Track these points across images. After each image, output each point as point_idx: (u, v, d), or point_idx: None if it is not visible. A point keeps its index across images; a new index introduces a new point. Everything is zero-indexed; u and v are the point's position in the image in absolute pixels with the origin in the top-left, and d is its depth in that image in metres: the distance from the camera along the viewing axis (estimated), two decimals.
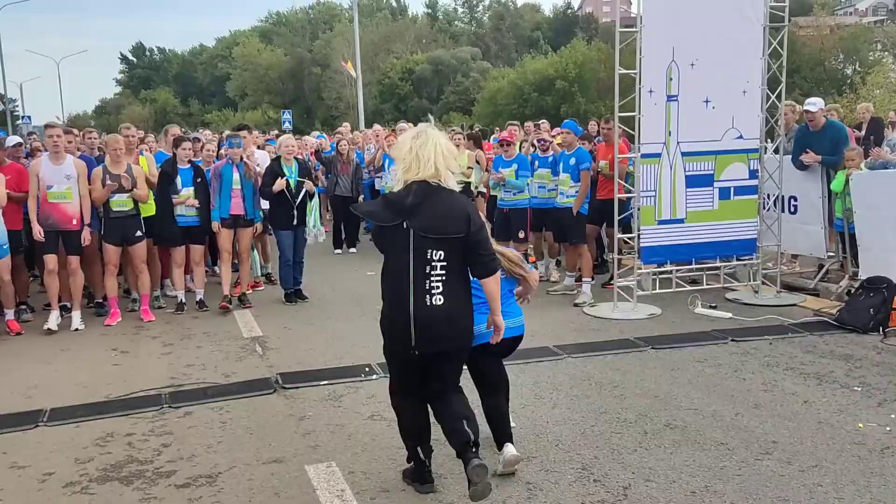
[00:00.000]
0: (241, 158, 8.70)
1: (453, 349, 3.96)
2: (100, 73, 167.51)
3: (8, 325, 7.88)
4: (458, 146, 11.27)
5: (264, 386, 6.08)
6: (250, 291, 9.27)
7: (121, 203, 8.00)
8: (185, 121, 61.22)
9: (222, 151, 9.08)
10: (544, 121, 13.89)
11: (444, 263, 3.80)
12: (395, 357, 4.07)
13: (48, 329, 7.78)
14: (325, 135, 15.35)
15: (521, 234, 9.25)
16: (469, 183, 11.18)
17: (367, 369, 6.35)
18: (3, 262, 7.74)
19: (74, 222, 7.84)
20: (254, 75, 66.79)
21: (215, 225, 8.52)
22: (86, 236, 7.91)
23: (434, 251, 3.79)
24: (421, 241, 3.79)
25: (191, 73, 77.55)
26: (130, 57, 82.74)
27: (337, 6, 76.78)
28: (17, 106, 55.49)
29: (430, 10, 75.89)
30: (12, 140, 9.00)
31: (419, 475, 4.22)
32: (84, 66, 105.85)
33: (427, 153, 3.81)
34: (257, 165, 9.44)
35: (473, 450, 3.81)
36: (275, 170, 8.69)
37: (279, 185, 8.53)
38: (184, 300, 8.66)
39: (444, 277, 3.80)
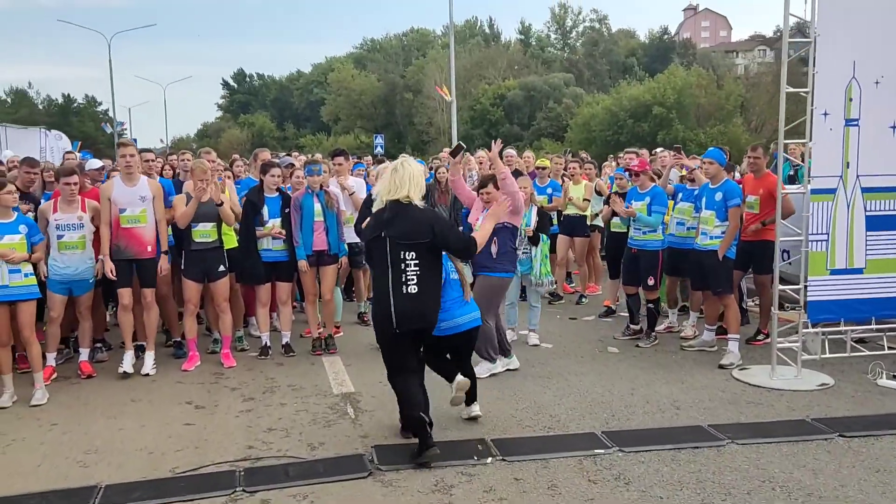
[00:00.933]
0: (321, 187, 7.73)
1: (426, 327, 5.09)
2: (203, 99, 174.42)
3: (80, 366, 7.07)
4: (572, 175, 10.07)
5: (356, 466, 4.95)
6: (340, 334, 8.26)
7: (204, 233, 7.12)
8: (280, 144, 62.12)
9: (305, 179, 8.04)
10: (661, 149, 12.47)
11: (417, 262, 4.91)
12: (385, 339, 5.16)
13: (123, 372, 6.93)
14: (424, 161, 14.34)
15: (651, 281, 7.89)
16: (585, 216, 9.93)
17: (479, 447, 5.17)
18: (86, 297, 6.98)
19: (149, 249, 7.00)
20: (347, 100, 67.24)
21: (302, 265, 7.51)
22: (162, 265, 7.10)
23: (406, 252, 4.90)
24: (395, 246, 4.91)
25: (287, 98, 78.92)
26: (232, 83, 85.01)
27: (430, 33, 76.91)
28: (126, 129, 57.42)
29: (522, 37, 75.01)
30: (94, 163, 8.31)
31: (424, 443, 4.94)
32: (189, 92, 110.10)
33: (404, 180, 4.95)
34: (352, 193, 8.47)
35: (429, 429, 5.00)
36: (371, 203, 7.64)
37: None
38: (269, 343, 7.69)
39: (417, 272, 4.90)
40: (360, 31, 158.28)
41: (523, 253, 7.79)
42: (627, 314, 8.51)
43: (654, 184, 8.14)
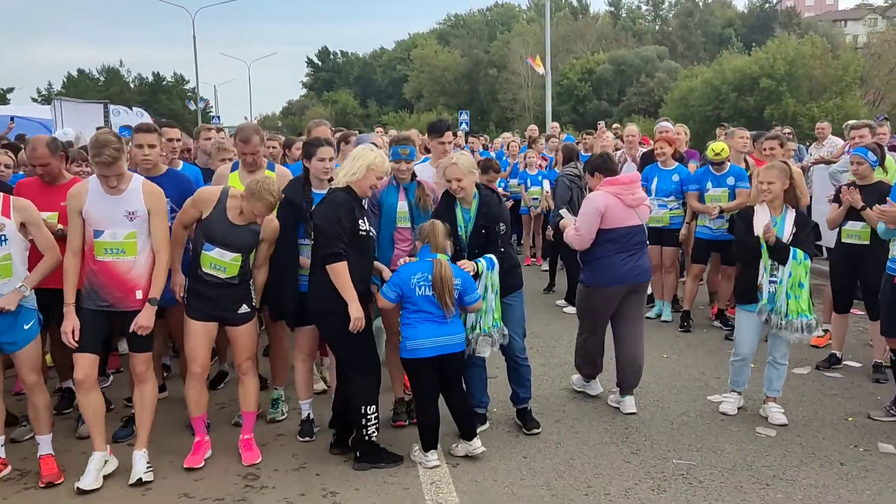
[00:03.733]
0: (414, 178, 4.86)
1: (308, 310, 4.41)
2: (288, 77, 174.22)
3: (40, 464, 4.32)
4: (769, 156, 6.86)
5: None
6: None
7: (218, 264, 4.30)
8: (363, 122, 59.91)
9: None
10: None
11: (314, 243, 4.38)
12: None
13: (78, 489, 4.11)
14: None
15: None
16: None
17: None
18: (26, 353, 4.26)
19: (139, 296, 4.22)
20: (430, 77, 64.52)
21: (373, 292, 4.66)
22: (140, 320, 4.18)
23: (313, 233, 4.36)
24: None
25: (370, 76, 76.65)
26: (316, 60, 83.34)
27: (515, 7, 73.01)
28: (211, 106, 56.26)
29: (612, 9, 70.10)
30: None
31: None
32: (274, 71, 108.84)
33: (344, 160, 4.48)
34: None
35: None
36: (443, 214, 4.71)
37: (469, 268, 4.54)
38: (311, 415, 4.88)
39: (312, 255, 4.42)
40: (444, 6, 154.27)
41: (770, 281, 4.84)
42: (875, 370, 5.39)
43: None
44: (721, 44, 60.02)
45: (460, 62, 64.31)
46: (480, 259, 4.54)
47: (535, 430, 4.91)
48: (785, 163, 5.21)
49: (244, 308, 4.40)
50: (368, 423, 4.30)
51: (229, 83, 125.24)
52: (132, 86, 64.57)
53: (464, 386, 4.62)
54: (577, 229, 5.10)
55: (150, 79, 66.46)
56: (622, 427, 4.96)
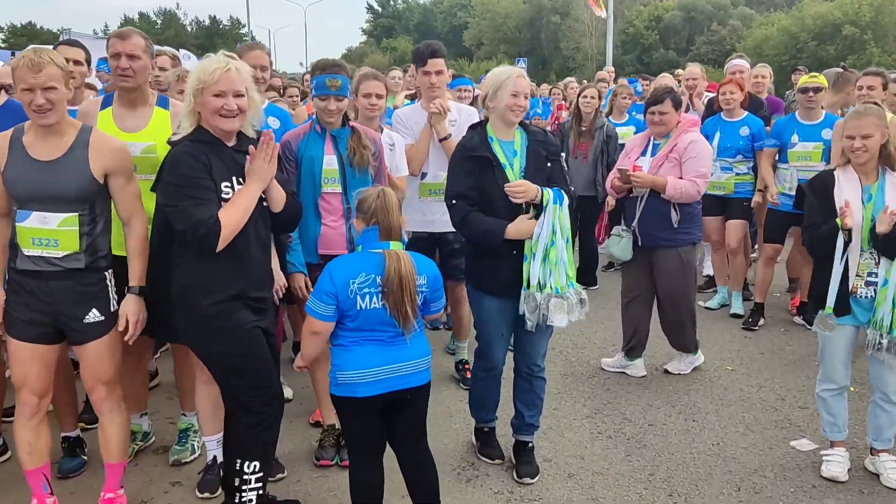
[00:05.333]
0: (347, 123, 3.30)
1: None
2: (347, 23, 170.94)
3: None
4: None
5: None
6: None
7: (42, 237, 2.76)
8: None
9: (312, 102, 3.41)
10: None
11: None
12: None
13: None
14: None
15: None
16: None
17: None
18: None
19: None
20: (491, 24, 62.40)
21: (299, 282, 3.26)
22: None
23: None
24: None
25: (430, 23, 74.35)
26: (376, 6, 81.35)
27: None
28: (268, 51, 55.10)
29: None
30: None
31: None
32: (332, 16, 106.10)
33: None
34: (445, 138, 3.99)
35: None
36: (481, 154, 3.12)
37: (521, 189, 3.06)
38: (219, 455, 3.31)
39: None
40: None
41: (867, 281, 3.16)
42: None
43: None
44: None
45: (522, 8, 61.94)
46: (546, 189, 3.09)
47: (528, 481, 3.37)
48: (876, 104, 3.46)
49: (94, 314, 2.85)
50: (244, 488, 2.80)
51: (285, 28, 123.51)
52: (189, 29, 63.71)
53: (428, 446, 3.00)
54: (704, 175, 4.33)
55: (207, 22, 65.52)
56: (665, 491, 3.34)
